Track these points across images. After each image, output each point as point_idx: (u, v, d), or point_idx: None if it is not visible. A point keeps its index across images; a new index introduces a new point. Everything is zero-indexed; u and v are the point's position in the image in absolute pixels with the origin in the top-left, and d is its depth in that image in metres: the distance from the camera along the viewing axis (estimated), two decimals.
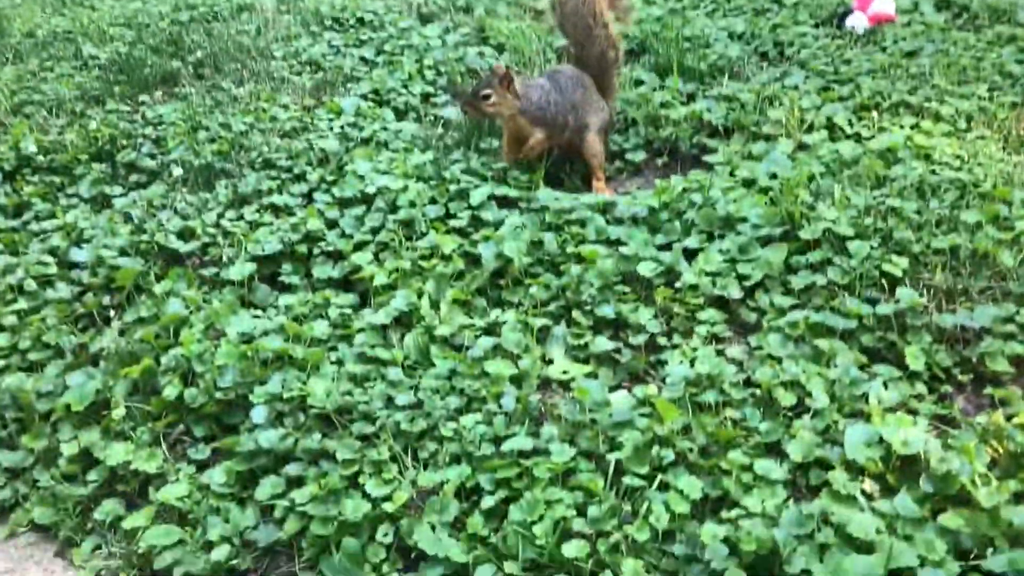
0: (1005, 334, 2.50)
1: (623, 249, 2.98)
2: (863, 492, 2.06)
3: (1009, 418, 2.22)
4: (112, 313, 3.07)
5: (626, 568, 1.91)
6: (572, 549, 1.97)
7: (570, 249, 3.06)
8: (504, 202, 3.41)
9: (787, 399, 2.33)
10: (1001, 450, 2.15)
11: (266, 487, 2.29)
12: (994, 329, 2.50)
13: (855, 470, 2.12)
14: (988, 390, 2.40)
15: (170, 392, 2.58)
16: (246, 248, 3.22)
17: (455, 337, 2.75)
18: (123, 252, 3.29)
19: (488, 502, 2.13)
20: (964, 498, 2.04)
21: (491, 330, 2.78)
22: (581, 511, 2.10)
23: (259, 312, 2.99)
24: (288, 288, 3.13)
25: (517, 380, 2.55)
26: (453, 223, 3.27)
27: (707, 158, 3.68)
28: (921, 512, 1.98)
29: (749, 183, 3.31)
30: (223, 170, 3.87)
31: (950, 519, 1.95)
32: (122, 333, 2.92)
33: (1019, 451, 2.11)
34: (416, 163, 3.63)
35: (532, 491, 2.11)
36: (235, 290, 3.09)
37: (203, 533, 2.22)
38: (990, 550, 1.90)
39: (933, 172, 3.24)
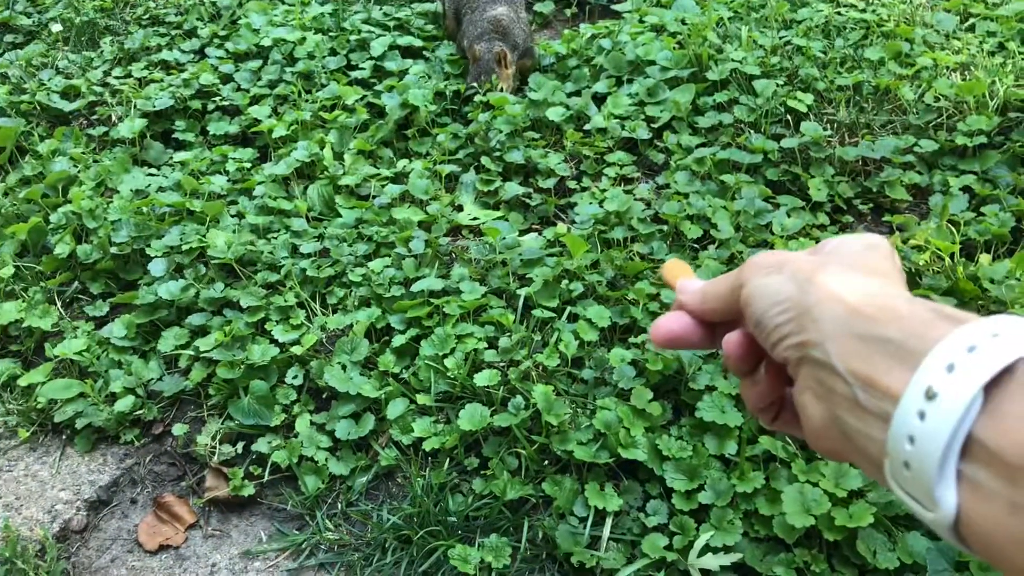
0: (904, 164, 2.55)
1: (532, 95, 2.92)
2: None
3: (905, 241, 2.29)
4: None
5: (536, 393, 1.92)
6: (483, 378, 1.96)
7: (478, 98, 2.98)
8: (408, 52, 3.29)
9: (693, 232, 2.34)
10: None
11: (169, 339, 2.22)
12: (894, 160, 2.55)
13: None
14: (887, 218, 2.46)
15: (62, 250, 2.46)
16: (135, 105, 3.04)
17: (360, 187, 2.67)
18: (2, 112, 3.08)
19: (399, 340, 2.11)
20: None
21: (398, 179, 2.71)
22: (492, 344, 2.10)
23: (153, 170, 2.85)
24: (183, 145, 2.99)
25: (426, 226, 2.50)
26: (355, 75, 3.14)
27: (616, 7, 3.59)
28: None
29: (658, 29, 3.25)
30: (107, 27, 3.62)
31: None
32: (6, 194, 2.75)
33: (914, 270, 2.18)
34: (314, 15, 3.45)
35: (443, 327, 2.10)
36: (126, 148, 2.93)
37: (105, 386, 2.15)
38: None
39: (839, 13, 3.23)
